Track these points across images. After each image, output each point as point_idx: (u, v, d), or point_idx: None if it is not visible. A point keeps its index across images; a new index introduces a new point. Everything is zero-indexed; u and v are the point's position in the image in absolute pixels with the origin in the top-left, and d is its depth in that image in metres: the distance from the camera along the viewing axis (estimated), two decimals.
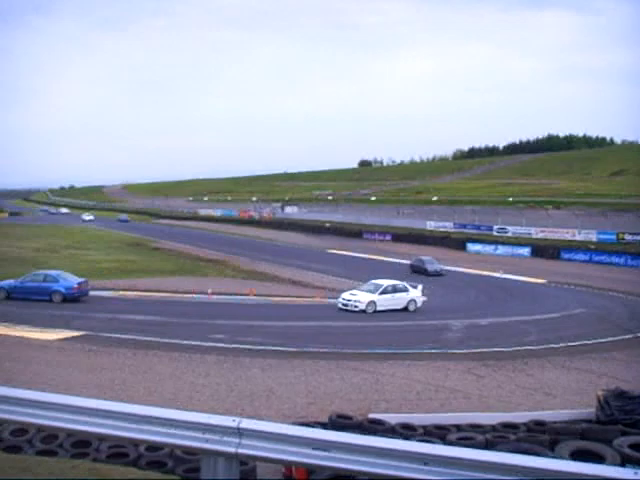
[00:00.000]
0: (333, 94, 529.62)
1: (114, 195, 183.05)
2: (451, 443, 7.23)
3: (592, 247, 45.18)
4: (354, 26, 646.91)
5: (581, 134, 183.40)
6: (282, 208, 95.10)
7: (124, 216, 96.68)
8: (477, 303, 29.53)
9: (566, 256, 45.34)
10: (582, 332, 21.28)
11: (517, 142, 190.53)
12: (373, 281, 26.99)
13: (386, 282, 26.51)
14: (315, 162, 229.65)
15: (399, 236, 59.95)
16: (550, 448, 7.13)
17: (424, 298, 26.97)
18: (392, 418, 8.88)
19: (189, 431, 3.96)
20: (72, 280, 25.74)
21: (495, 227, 55.43)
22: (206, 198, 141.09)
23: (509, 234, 53.55)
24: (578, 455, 6.63)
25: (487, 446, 7.04)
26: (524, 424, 8.51)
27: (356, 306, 25.07)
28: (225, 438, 3.88)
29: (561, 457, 6.44)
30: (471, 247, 52.12)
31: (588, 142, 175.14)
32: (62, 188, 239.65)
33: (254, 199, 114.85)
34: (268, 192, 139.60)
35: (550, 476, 3.36)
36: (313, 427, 5.31)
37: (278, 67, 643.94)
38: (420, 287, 27.26)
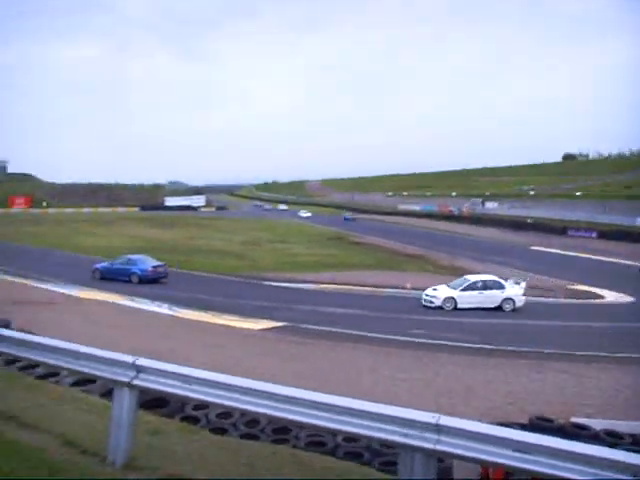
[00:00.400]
0: (533, 87, 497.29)
1: (314, 190, 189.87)
2: None
3: None
4: (555, 13, 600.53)
5: None
6: (482, 203, 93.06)
7: (348, 214, 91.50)
8: None
9: None
10: None
11: None
12: (466, 276, 25.61)
13: (477, 277, 25.13)
14: (516, 156, 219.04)
15: (604, 233, 55.16)
16: None
17: (524, 297, 24.50)
18: (596, 424, 8.21)
19: (388, 424, 4.00)
20: (148, 264, 28.35)
21: None
22: (405, 193, 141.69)
23: None
24: None
25: None
26: None
27: (432, 302, 23.90)
28: (424, 434, 3.87)
29: None
30: None
31: None
32: (266, 183, 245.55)
33: (454, 194, 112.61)
34: (467, 187, 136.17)
35: None
36: (513, 428, 5.10)
37: (474, 61, 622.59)
38: (523, 284, 24.88)
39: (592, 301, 28.27)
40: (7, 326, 10.29)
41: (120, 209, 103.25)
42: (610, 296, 29.31)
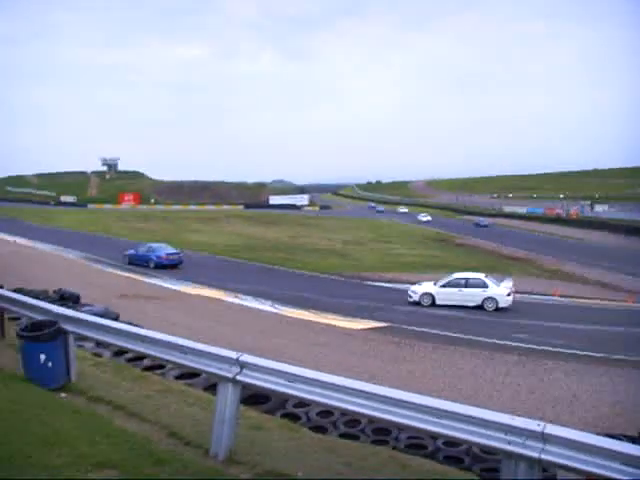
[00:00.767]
0: None
1: (418, 190, 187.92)
2: None
3: None
4: None
5: None
6: (591, 206, 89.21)
7: (482, 219, 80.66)
8: None
9: None
10: None
11: None
12: (454, 274, 24.45)
13: (462, 275, 24.04)
14: (628, 157, 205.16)
15: None
16: None
17: (510, 297, 22.72)
18: None
19: (491, 430, 3.91)
20: (163, 251, 31.29)
21: None
22: (511, 195, 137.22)
23: None
24: None
25: None
26: None
27: (411, 296, 23.69)
28: (528, 442, 3.76)
29: None
30: None
31: None
32: (369, 183, 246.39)
33: (561, 196, 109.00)
34: (576, 189, 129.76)
35: None
36: (621, 440, 4.75)
37: (588, 60, 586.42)
38: (510, 283, 23.35)
39: None
40: (116, 319, 10.99)
41: (225, 207, 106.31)
42: None
